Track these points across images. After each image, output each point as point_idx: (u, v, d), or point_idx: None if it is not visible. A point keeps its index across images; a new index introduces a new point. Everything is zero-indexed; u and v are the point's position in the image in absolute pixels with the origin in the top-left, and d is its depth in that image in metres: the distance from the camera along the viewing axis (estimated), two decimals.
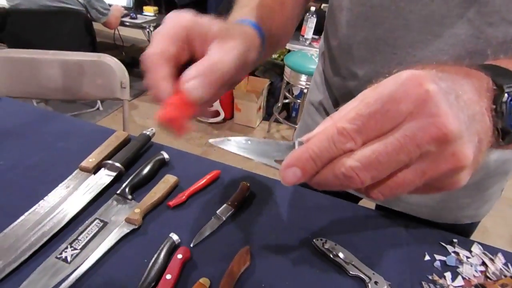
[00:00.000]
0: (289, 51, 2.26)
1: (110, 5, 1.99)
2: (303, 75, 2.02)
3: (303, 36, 2.22)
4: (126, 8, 2.50)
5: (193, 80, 0.26)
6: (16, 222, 0.45)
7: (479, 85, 0.23)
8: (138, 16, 2.53)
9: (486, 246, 0.52)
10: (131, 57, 3.45)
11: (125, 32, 3.16)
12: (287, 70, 2.09)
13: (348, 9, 0.45)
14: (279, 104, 2.39)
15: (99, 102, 2.45)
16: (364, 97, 0.22)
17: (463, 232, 0.53)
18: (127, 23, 2.43)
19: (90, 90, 1.02)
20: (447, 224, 0.57)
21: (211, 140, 0.27)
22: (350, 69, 0.49)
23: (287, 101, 2.43)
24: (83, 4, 1.82)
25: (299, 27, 2.23)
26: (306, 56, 2.08)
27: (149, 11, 2.61)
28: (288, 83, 2.16)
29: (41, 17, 1.73)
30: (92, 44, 2.01)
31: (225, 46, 0.28)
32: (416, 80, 0.20)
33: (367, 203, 0.67)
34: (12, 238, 0.43)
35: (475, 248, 0.51)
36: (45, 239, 0.44)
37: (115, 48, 3.41)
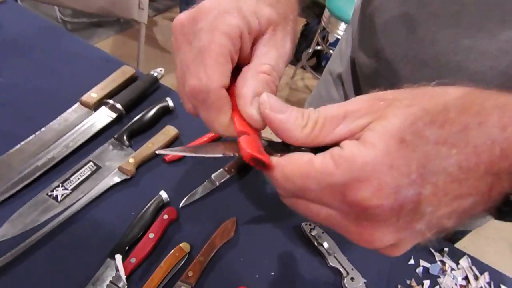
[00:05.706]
0: None
1: None
2: (343, 23, 1.79)
3: None
4: None
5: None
6: (11, 151, 0.45)
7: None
8: None
9: (476, 260, 0.50)
10: None
11: None
12: (326, 13, 1.87)
13: None
14: (310, 51, 2.21)
15: None
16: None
17: (452, 237, 0.52)
18: None
19: (105, 4, 0.94)
20: None
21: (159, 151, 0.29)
22: (378, 46, 0.42)
23: (319, 48, 2.24)
24: None
25: None
26: (353, 3, 1.84)
27: None
28: (324, 28, 1.97)
29: None
30: None
31: (277, 51, 0.26)
32: None
33: None
34: (5, 167, 0.44)
35: (464, 261, 0.50)
36: (37, 174, 0.44)
37: None
